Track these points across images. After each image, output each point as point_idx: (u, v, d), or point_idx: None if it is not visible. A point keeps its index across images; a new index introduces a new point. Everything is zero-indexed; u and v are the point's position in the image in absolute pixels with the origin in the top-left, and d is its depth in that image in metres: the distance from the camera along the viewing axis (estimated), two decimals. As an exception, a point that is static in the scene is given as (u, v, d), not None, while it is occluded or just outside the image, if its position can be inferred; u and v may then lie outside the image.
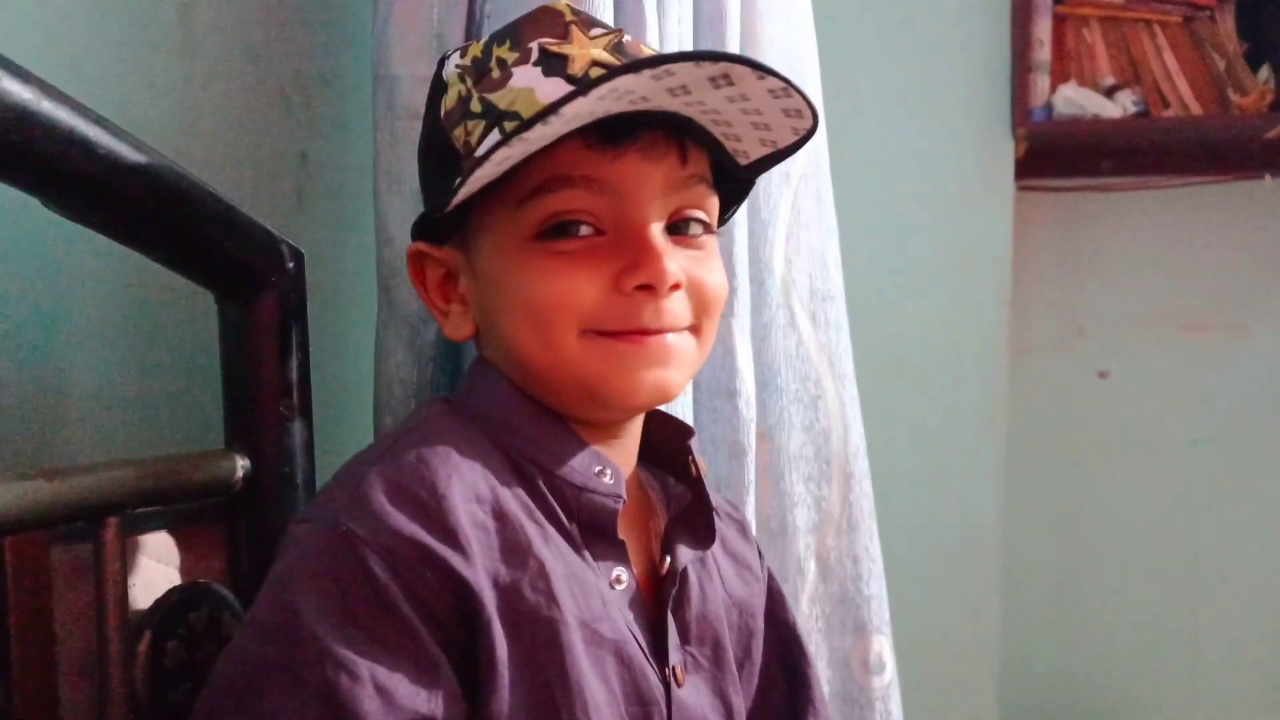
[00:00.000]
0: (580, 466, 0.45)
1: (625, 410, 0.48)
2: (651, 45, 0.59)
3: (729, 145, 0.48)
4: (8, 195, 0.42)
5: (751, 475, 0.72)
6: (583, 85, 0.38)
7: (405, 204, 0.60)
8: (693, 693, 0.47)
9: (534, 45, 0.45)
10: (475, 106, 0.45)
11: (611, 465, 0.46)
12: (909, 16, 1.35)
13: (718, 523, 0.52)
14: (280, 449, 0.52)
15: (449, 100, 0.47)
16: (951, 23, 1.35)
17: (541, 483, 0.44)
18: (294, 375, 0.53)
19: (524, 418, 0.46)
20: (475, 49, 0.47)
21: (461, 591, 0.38)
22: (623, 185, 0.44)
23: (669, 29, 0.62)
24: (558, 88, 0.43)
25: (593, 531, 0.45)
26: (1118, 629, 1.45)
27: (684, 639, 0.48)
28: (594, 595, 0.43)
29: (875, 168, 1.32)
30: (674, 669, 0.46)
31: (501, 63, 0.45)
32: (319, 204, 0.74)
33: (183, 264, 0.49)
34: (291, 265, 0.53)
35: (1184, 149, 1.32)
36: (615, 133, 0.43)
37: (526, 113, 0.42)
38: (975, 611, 1.36)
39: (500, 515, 0.41)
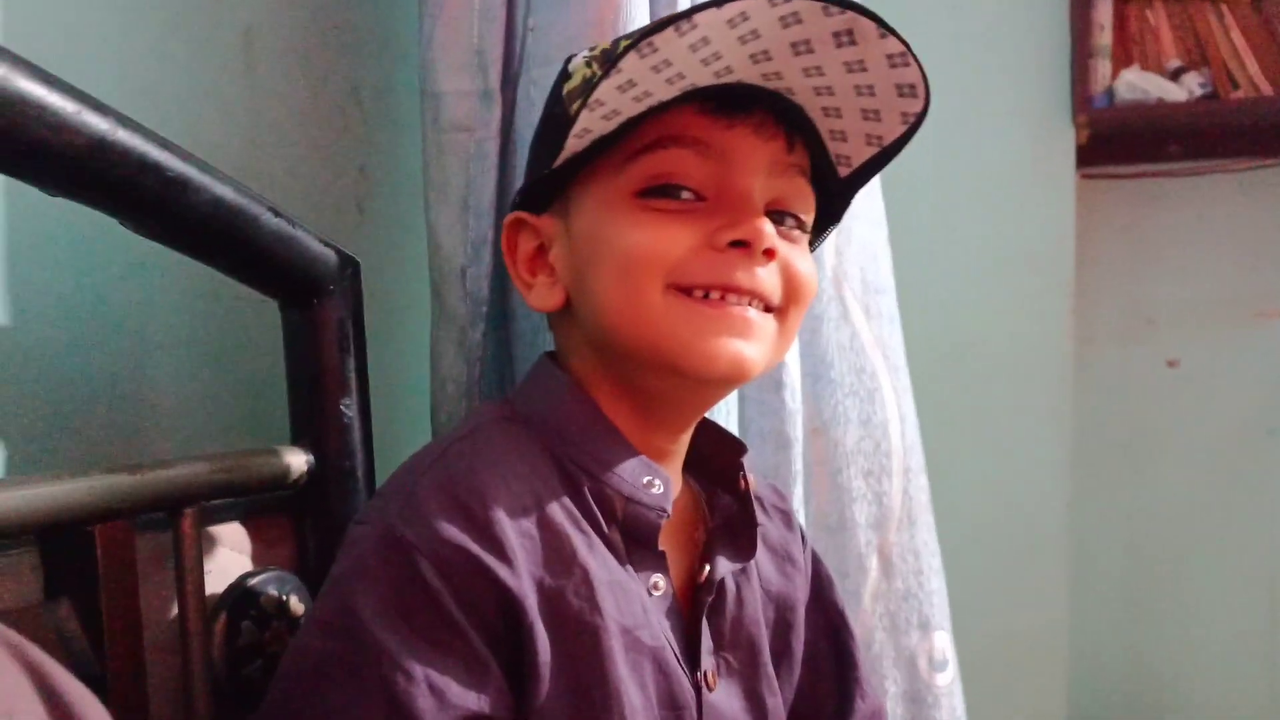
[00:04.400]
0: (629, 475, 0.46)
1: (700, 380, 0.47)
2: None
3: (834, 148, 0.49)
4: (97, 214, 0.47)
5: (799, 466, 0.73)
6: (710, 2, 0.39)
7: (452, 213, 0.63)
8: (724, 696, 0.49)
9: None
10: (598, 79, 0.46)
11: (661, 475, 0.47)
12: (966, 4, 1.34)
13: (761, 515, 0.53)
14: (341, 445, 0.56)
15: (573, 83, 0.48)
16: (1009, 9, 1.33)
17: (588, 489, 0.45)
18: (352, 376, 0.57)
19: (578, 423, 0.47)
20: (603, 45, 0.50)
21: (507, 598, 0.40)
22: (731, 153, 0.45)
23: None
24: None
25: (635, 540, 0.46)
26: (1189, 626, 1.41)
27: (718, 644, 0.49)
28: (635, 602, 0.45)
29: (933, 159, 1.31)
30: (706, 674, 0.47)
31: (628, 48, 0.47)
32: (377, 212, 0.78)
33: (247, 275, 0.53)
34: (348, 274, 0.56)
35: (1254, 131, 1.27)
36: (729, 104, 0.45)
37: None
38: (1042, 608, 1.33)
39: (546, 523, 0.43)
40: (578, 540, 0.43)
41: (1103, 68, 1.28)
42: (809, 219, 0.50)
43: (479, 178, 0.61)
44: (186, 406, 0.59)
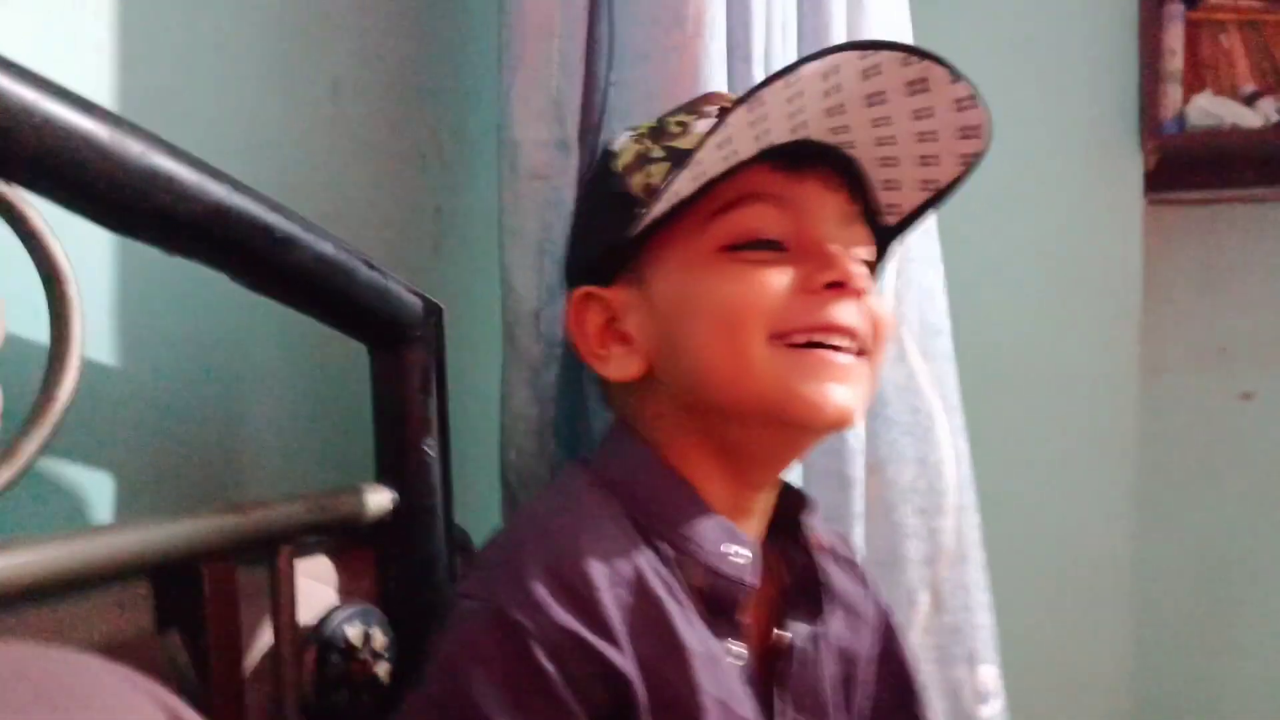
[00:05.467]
0: (710, 545, 0.47)
1: (806, 429, 0.49)
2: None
3: (885, 197, 0.51)
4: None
5: (860, 507, 0.74)
6: (810, 56, 0.42)
7: (527, 257, 0.65)
8: None
9: (709, 108, 0.51)
10: (657, 153, 0.49)
11: (745, 543, 0.48)
12: (1032, 29, 1.33)
13: (831, 567, 0.54)
14: (423, 483, 0.59)
15: (625, 159, 0.51)
16: (1077, 34, 1.32)
17: (673, 557, 0.46)
18: (434, 416, 0.59)
19: (660, 494, 0.48)
20: (648, 122, 0.52)
21: (616, 680, 0.41)
22: (806, 205, 0.48)
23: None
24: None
25: (716, 609, 0.47)
26: (1260, 668, 1.36)
27: (792, 707, 0.50)
28: (727, 674, 0.46)
29: (999, 185, 1.29)
30: None
31: (681, 124, 0.51)
32: (452, 253, 0.81)
33: (341, 323, 0.56)
34: (432, 320, 0.59)
35: (1335, 157, 1.24)
36: (797, 161, 0.47)
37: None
38: (1106, 645, 1.31)
39: (645, 596, 0.44)
40: (673, 611, 0.44)
41: (1173, 92, 1.26)
42: (874, 262, 0.52)
43: (555, 224, 0.64)
44: (277, 444, 0.63)
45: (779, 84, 0.42)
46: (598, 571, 0.43)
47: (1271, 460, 1.35)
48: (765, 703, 0.48)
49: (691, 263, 0.48)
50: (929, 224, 0.81)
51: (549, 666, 0.40)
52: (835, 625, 0.55)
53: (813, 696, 0.51)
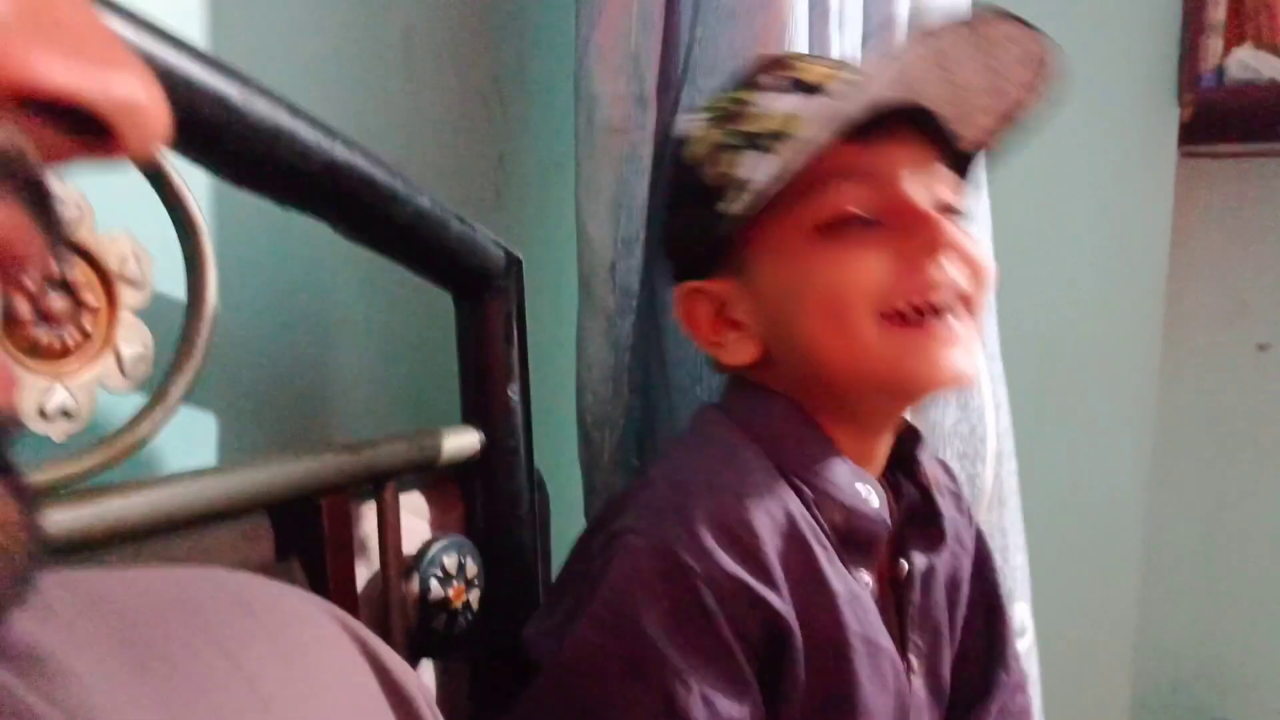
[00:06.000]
0: (847, 487, 0.50)
1: (922, 397, 0.52)
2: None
3: (959, 128, 0.51)
4: (287, 215, 0.53)
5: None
6: (900, 49, 0.45)
7: (603, 210, 0.67)
8: (919, 681, 0.53)
9: (765, 78, 0.51)
10: (731, 140, 0.49)
11: (874, 486, 0.51)
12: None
13: (937, 498, 0.57)
14: (507, 426, 0.62)
15: (694, 148, 0.51)
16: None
17: (813, 499, 0.49)
18: (516, 363, 0.62)
19: (795, 437, 0.50)
20: (707, 103, 0.53)
21: (776, 624, 0.44)
22: (886, 172, 0.48)
23: (849, 43, 0.66)
24: (809, 102, 0.48)
25: (852, 545, 0.50)
26: (1260, 615, 1.42)
27: (913, 629, 0.53)
28: (867, 609, 0.49)
29: (1035, 137, 1.30)
30: (912, 662, 0.52)
31: (739, 101, 0.51)
32: (514, 201, 0.82)
33: (429, 272, 0.59)
34: (514, 271, 0.61)
35: (1373, 114, 1.24)
36: (870, 131, 0.47)
37: (793, 128, 0.47)
38: (1115, 589, 1.36)
39: (797, 541, 0.46)
40: (820, 556, 0.47)
41: (1214, 45, 1.25)
42: (962, 202, 0.52)
43: (631, 178, 0.65)
44: (364, 389, 0.66)
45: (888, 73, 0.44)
46: (760, 522, 0.45)
47: (1285, 409, 1.39)
48: (894, 626, 0.52)
49: (788, 249, 0.49)
50: (982, 178, 0.83)
51: (714, 606, 0.43)
52: (945, 553, 0.57)
53: (931, 619, 0.55)
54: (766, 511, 0.46)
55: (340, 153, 0.48)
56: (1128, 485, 1.35)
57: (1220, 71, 1.25)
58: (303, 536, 0.51)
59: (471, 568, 0.60)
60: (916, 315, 0.47)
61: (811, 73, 0.50)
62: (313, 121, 0.47)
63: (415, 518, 0.61)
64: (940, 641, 0.55)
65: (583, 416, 0.70)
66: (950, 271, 0.48)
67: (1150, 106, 1.30)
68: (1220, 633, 1.45)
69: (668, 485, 0.48)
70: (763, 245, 0.50)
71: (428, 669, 0.62)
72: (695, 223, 0.52)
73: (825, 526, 0.49)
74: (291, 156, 0.46)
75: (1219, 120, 1.30)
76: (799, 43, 0.59)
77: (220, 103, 0.42)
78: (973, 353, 0.49)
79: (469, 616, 0.60)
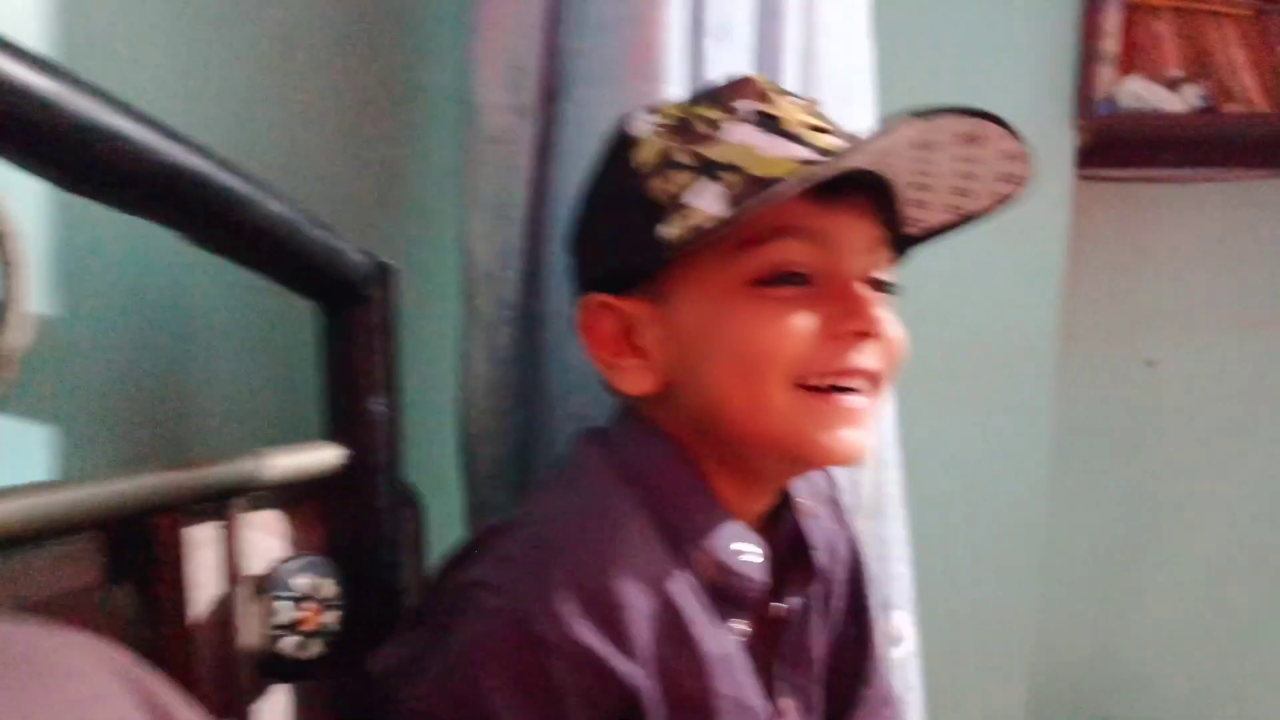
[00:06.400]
0: (726, 544, 0.48)
1: (815, 467, 0.51)
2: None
3: (911, 212, 0.51)
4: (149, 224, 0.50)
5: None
6: (876, 135, 0.41)
7: (486, 221, 0.66)
8: (790, 718, 0.52)
9: (741, 105, 0.48)
10: (683, 158, 0.47)
11: (755, 542, 0.49)
12: (976, 6, 1.35)
13: (815, 507, 0.56)
14: (371, 441, 0.60)
15: (644, 155, 0.48)
16: (1019, 11, 1.35)
17: (689, 553, 0.47)
18: (383, 376, 0.60)
19: (678, 487, 0.48)
20: (671, 109, 0.50)
21: (629, 696, 0.42)
22: (835, 238, 0.46)
23: (733, 62, 0.66)
24: (778, 143, 0.46)
25: (729, 601, 0.48)
26: (1154, 616, 1.49)
27: (787, 667, 0.53)
28: (741, 670, 0.47)
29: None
30: (778, 705, 0.51)
31: (708, 121, 0.48)
32: (407, 211, 0.80)
33: (288, 280, 0.56)
34: (383, 279, 0.60)
35: (1246, 144, 1.31)
36: (830, 188, 0.45)
37: (751, 166, 0.45)
38: (1012, 590, 1.40)
39: (667, 605, 0.44)
40: (694, 619, 0.45)
41: (1106, 74, 1.31)
42: (894, 280, 0.51)
43: (513, 188, 0.64)
44: (227, 400, 0.63)
45: (876, 144, 0.41)
46: (625, 587, 0.43)
47: (1171, 420, 1.46)
48: (765, 667, 0.51)
49: (717, 294, 0.46)
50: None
51: (564, 682, 0.41)
52: (819, 564, 0.56)
53: (807, 651, 0.54)
54: (634, 575, 0.44)
55: (179, 155, 0.45)
56: (1026, 494, 1.39)
57: (1112, 100, 1.30)
58: (134, 559, 0.49)
59: (329, 589, 0.58)
60: (826, 390, 0.46)
61: (783, 109, 0.48)
62: (146, 121, 0.44)
63: (271, 537, 0.58)
64: (814, 670, 0.55)
65: (463, 430, 0.68)
66: (874, 356, 0.47)
67: (1048, 131, 1.35)
68: (1113, 636, 1.51)
69: (530, 538, 0.46)
70: (690, 279, 0.47)
71: (282, 695, 0.59)
72: (624, 235, 0.49)
73: (700, 582, 0.47)
74: (121, 159, 0.43)
75: (1113, 146, 1.36)
76: (672, 57, 0.59)
77: (29, 97, 0.39)
78: (873, 430, 0.48)
79: (325, 639, 0.58)
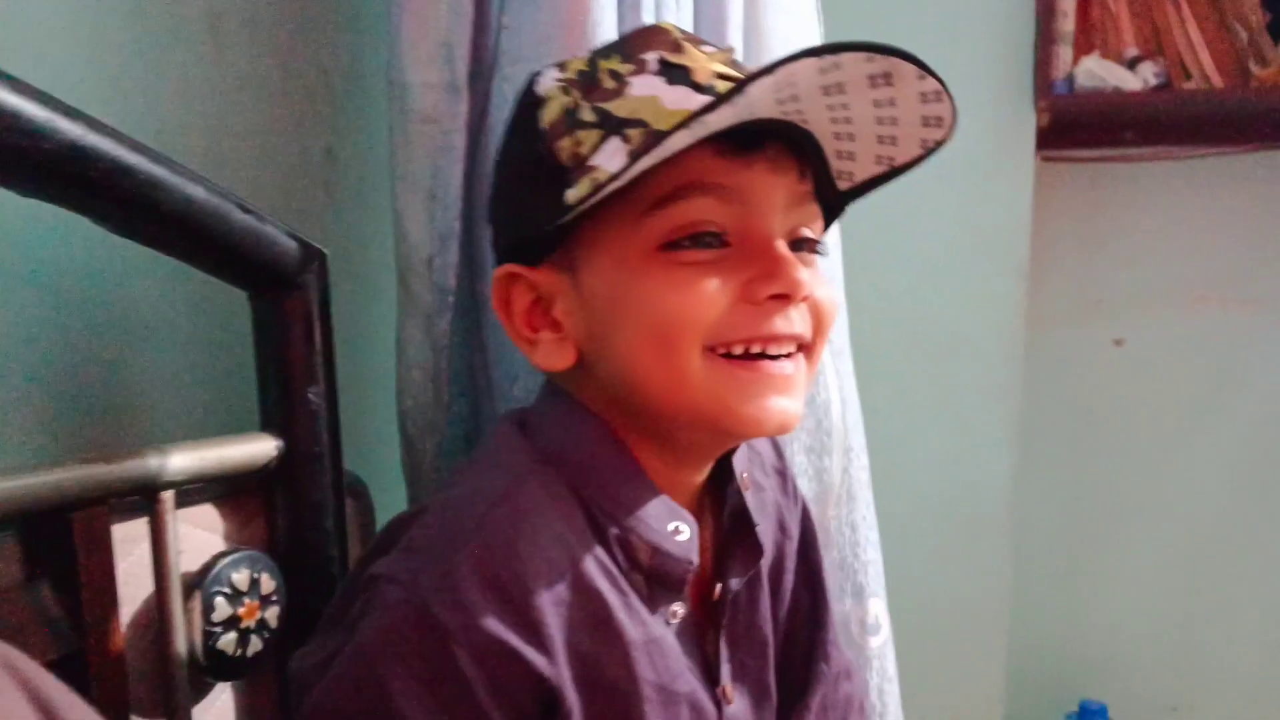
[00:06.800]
0: (655, 522, 0.45)
1: (743, 439, 0.48)
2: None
3: (838, 165, 0.48)
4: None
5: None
6: (761, 70, 0.37)
7: (418, 203, 0.65)
8: (739, 701, 0.50)
9: (649, 56, 0.45)
10: (587, 116, 0.44)
11: (687, 520, 0.46)
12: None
13: (760, 477, 0.54)
14: (309, 430, 0.58)
15: (550, 113, 0.45)
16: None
17: (616, 536, 0.45)
18: (319, 364, 0.59)
19: (603, 465, 0.46)
20: (578, 63, 0.47)
21: (542, 686, 0.40)
22: (751, 195, 0.43)
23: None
24: (685, 94, 0.43)
25: (660, 584, 0.46)
26: (1126, 596, 1.49)
27: (733, 650, 0.51)
28: (669, 654, 0.45)
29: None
30: (724, 689, 0.49)
31: (614, 74, 0.45)
32: (345, 197, 0.79)
33: (217, 269, 0.55)
34: (314, 265, 0.58)
35: (1205, 121, 1.31)
36: (745, 142, 0.42)
37: (655, 120, 0.42)
38: (986, 575, 1.40)
39: (583, 588, 0.42)
40: (613, 600, 0.43)
41: (1064, 54, 1.31)
42: (823, 239, 0.49)
43: (446, 169, 0.63)
44: (164, 393, 0.61)
45: (766, 81, 0.37)
46: (535, 573, 0.41)
47: (1139, 400, 1.46)
48: (711, 655, 0.49)
49: (625, 261, 0.43)
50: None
51: (471, 673, 0.39)
52: (767, 540, 0.54)
53: (756, 632, 0.52)
54: (545, 559, 0.42)
55: (83, 135, 0.44)
56: (995, 476, 1.39)
57: (1070, 80, 1.30)
58: (54, 556, 0.47)
59: (268, 583, 0.56)
60: (745, 355, 0.44)
61: (694, 58, 0.45)
62: (45, 99, 0.43)
63: (207, 532, 0.56)
64: (766, 650, 0.53)
65: (404, 422, 0.67)
66: (796, 321, 0.44)
67: (1009, 112, 1.35)
68: (1087, 617, 1.51)
69: (435, 526, 0.44)
70: (600, 247, 0.44)
71: (225, 692, 0.58)
72: (531, 201, 0.46)
73: (626, 566, 0.45)
74: (16, 138, 0.41)
75: (1073, 126, 1.36)
76: (604, 32, 0.58)
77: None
78: (803, 396, 0.46)
79: (265, 635, 0.56)
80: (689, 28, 0.69)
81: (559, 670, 0.41)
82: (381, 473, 0.72)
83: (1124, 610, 1.49)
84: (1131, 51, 1.30)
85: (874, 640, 0.88)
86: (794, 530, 0.57)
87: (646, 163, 0.40)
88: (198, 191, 0.50)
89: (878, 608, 0.89)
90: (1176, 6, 1.27)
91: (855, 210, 0.90)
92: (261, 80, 0.71)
